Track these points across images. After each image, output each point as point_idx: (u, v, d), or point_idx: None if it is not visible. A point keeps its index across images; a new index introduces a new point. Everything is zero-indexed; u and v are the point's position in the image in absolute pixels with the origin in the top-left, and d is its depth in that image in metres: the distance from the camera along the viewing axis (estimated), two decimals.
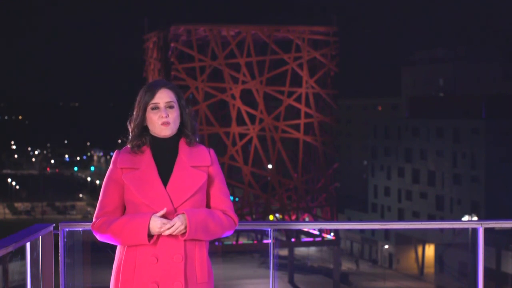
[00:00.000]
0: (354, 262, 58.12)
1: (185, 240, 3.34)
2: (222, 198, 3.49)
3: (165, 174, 3.40)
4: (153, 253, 3.32)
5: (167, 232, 3.29)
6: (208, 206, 3.49)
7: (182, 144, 3.48)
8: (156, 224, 3.27)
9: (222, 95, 49.70)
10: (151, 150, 3.45)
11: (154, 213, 3.30)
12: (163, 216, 3.32)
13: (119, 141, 3.57)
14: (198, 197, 3.40)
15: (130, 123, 3.50)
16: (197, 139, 3.54)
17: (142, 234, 3.27)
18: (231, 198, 53.51)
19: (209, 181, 3.48)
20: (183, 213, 3.32)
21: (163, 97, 3.43)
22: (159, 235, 3.32)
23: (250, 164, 49.71)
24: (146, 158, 3.43)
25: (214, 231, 3.39)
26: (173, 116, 3.42)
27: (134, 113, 3.48)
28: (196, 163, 3.45)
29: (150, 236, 3.31)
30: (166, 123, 3.40)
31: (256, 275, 47.79)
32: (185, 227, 3.30)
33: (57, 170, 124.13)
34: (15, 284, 4.10)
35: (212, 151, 3.53)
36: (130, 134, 3.49)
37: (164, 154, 3.45)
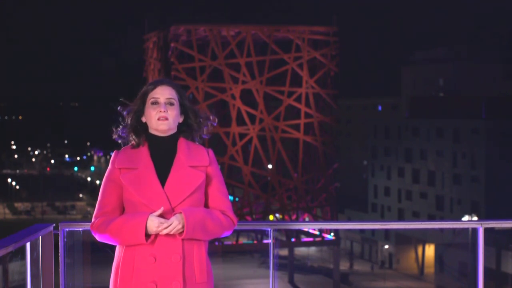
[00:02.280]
0: (349, 263, 58.11)
1: (183, 240, 3.34)
2: (220, 198, 3.49)
3: (163, 173, 3.40)
4: (151, 252, 3.32)
5: (164, 232, 3.29)
6: (206, 206, 3.49)
7: (181, 144, 3.48)
8: (153, 223, 3.27)
9: (222, 95, 49.70)
10: (149, 150, 3.45)
11: (151, 213, 3.30)
12: (161, 216, 3.32)
13: (120, 141, 3.57)
14: (196, 196, 3.40)
15: (126, 113, 3.50)
16: (197, 139, 3.55)
17: (139, 234, 3.27)
18: (231, 198, 53.37)
19: (208, 181, 3.48)
20: (181, 212, 3.32)
21: (164, 93, 3.44)
22: (156, 235, 3.32)
23: (250, 164, 49.70)
24: (144, 158, 3.43)
25: (213, 230, 3.39)
26: (173, 114, 3.43)
27: (133, 104, 3.49)
28: (195, 163, 3.45)
29: (148, 235, 3.31)
30: (164, 118, 3.40)
31: (256, 275, 47.79)
32: (183, 226, 3.30)
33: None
34: (15, 284, 4.10)
35: (210, 151, 3.53)
36: (126, 122, 3.49)
37: (162, 153, 3.45)
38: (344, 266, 56.28)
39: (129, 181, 3.37)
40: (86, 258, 4.46)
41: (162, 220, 3.27)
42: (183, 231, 3.30)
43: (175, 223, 3.28)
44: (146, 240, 3.29)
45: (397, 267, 57.30)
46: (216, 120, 3.65)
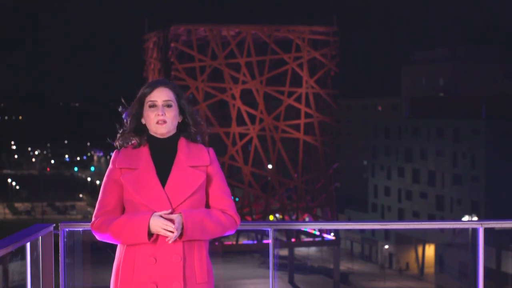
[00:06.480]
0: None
1: (183, 240, 3.35)
2: (222, 197, 3.48)
3: (163, 174, 3.40)
4: (151, 253, 3.32)
5: (171, 241, 3.28)
6: (207, 205, 3.49)
7: (181, 144, 3.48)
8: (156, 222, 3.27)
9: (222, 95, 49.69)
10: (150, 150, 3.45)
11: (154, 212, 3.31)
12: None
13: (118, 145, 3.56)
14: (196, 197, 3.40)
15: (126, 117, 3.50)
16: (199, 138, 3.54)
17: (142, 232, 3.27)
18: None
19: (208, 180, 3.47)
20: (180, 214, 3.32)
21: (162, 95, 3.43)
22: (158, 235, 3.32)
23: (250, 164, 49.69)
24: (145, 158, 3.42)
25: (213, 231, 3.39)
26: (171, 115, 3.42)
27: (131, 107, 3.49)
28: (195, 163, 3.44)
29: (150, 234, 3.31)
30: (162, 122, 3.40)
31: (256, 275, 47.82)
32: (182, 228, 3.30)
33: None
34: (15, 284, 4.10)
35: (211, 150, 3.53)
36: (126, 125, 3.49)
37: (163, 154, 3.45)
38: (342, 266, 56.27)
39: (129, 182, 3.37)
40: (86, 258, 4.46)
41: (165, 221, 3.27)
42: (182, 232, 3.30)
43: (177, 227, 3.27)
44: (149, 239, 3.29)
45: (397, 267, 57.32)
46: (209, 130, 3.62)
